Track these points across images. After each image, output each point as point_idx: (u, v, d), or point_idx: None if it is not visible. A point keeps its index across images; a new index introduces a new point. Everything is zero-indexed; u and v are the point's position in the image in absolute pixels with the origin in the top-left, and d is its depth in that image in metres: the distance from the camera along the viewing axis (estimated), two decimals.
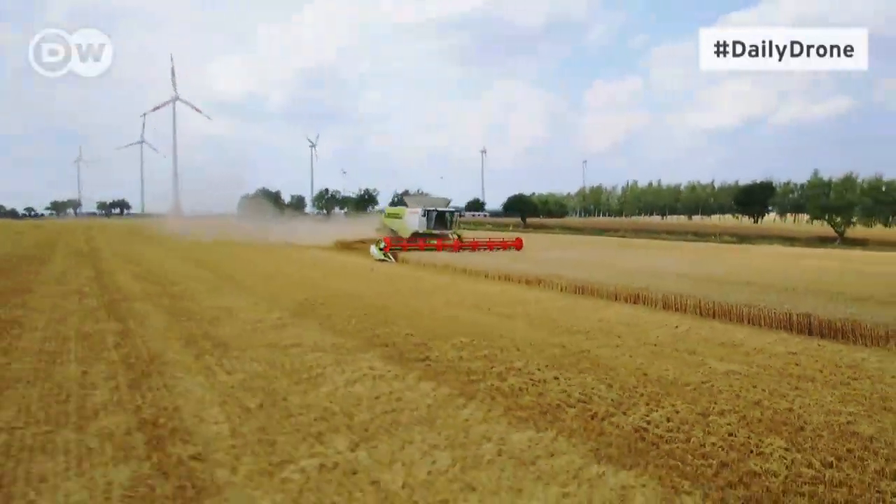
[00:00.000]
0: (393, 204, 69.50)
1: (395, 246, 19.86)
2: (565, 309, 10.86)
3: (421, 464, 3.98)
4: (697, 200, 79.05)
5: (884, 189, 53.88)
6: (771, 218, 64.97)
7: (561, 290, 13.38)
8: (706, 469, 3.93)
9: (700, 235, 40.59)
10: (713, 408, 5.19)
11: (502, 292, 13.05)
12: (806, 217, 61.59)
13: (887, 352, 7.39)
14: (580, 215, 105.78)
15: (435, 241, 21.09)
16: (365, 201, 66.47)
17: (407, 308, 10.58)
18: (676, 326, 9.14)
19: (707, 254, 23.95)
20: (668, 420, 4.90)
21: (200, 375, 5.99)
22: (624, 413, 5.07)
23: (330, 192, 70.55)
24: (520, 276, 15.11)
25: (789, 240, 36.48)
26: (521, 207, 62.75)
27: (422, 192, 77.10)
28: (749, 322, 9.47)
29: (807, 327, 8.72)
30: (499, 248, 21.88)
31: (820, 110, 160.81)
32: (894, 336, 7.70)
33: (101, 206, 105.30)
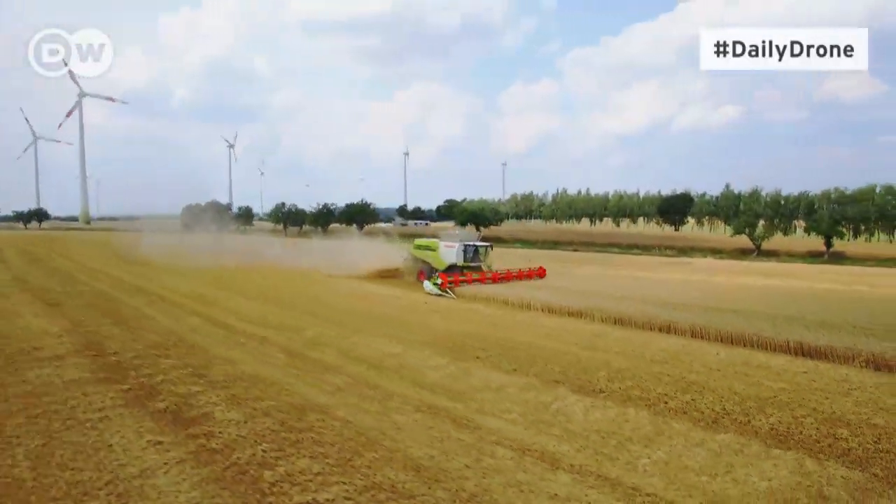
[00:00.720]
0: (348, 216, 71.27)
1: (451, 280, 22.42)
2: (625, 341, 14.80)
3: (692, 455, 7.69)
4: (624, 208, 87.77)
5: (782, 203, 63.75)
6: (689, 225, 74.10)
7: (602, 321, 17.41)
8: (824, 447, 7.98)
9: (643, 248, 46.70)
10: (797, 413, 9.31)
11: (563, 326, 16.82)
12: (719, 224, 70.83)
13: (857, 369, 12.00)
14: (510, 218, 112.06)
15: (478, 275, 23.83)
16: (323, 215, 67.74)
17: (513, 343, 14.07)
18: (717, 353, 13.40)
19: (680, 277, 28.96)
20: (780, 422, 8.94)
21: (501, 420, 9.14)
22: (754, 417, 9.06)
23: (288, 206, 70.98)
24: (561, 308, 19.01)
25: (717, 252, 43.46)
26: (475, 221, 66.47)
27: (367, 203, 79.31)
28: (759, 347, 13.95)
29: (800, 351, 13.32)
30: (526, 278, 25.40)
31: (715, 117, 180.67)
32: (857, 357, 12.39)
33: (18, 215, 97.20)
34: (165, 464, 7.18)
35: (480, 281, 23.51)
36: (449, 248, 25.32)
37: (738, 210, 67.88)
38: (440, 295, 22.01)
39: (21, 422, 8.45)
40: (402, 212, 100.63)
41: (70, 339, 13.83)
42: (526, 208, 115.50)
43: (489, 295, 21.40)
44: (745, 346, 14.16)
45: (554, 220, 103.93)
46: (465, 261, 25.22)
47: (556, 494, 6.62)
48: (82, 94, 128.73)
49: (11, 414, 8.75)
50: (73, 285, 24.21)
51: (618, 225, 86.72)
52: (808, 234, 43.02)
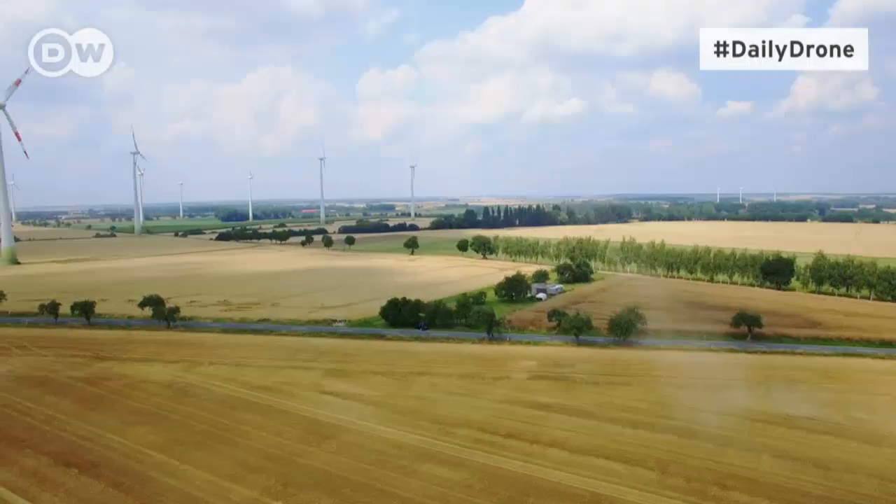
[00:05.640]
0: None
1: None
2: None
3: None
4: (715, 263, 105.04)
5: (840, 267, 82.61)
6: (793, 284, 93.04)
7: None
8: None
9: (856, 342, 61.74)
10: None
11: None
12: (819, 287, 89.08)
13: None
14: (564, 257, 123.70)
15: None
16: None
17: None
18: None
19: None
20: None
21: None
22: None
23: None
24: None
25: None
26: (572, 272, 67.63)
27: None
28: None
29: None
30: None
31: (562, 109, 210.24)
32: None
33: None
34: None
35: None
36: None
37: (830, 274, 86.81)
38: None
39: None
40: (540, 277, 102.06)
41: None
42: (584, 252, 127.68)
43: None
44: None
45: (623, 267, 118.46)
46: None
47: None
48: None
49: None
50: None
51: (711, 280, 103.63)
52: None
